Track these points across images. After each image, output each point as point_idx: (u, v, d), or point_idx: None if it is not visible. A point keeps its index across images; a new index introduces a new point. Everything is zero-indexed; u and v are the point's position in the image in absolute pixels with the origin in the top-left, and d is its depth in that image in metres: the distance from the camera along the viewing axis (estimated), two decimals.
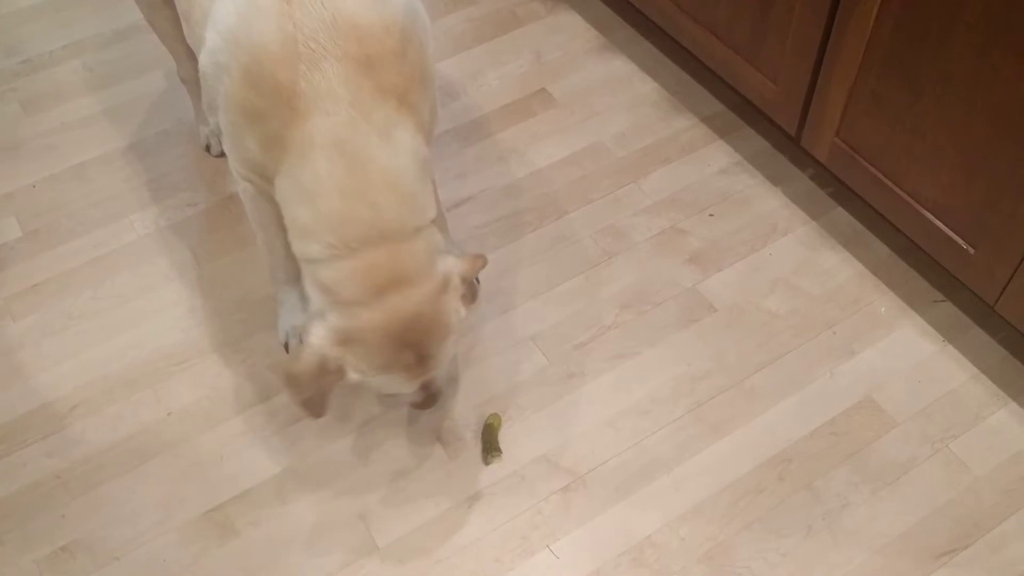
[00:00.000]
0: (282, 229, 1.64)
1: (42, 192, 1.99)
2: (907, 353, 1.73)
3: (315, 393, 1.35)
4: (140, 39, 2.28)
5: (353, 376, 1.31)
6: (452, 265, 1.35)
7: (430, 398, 1.47)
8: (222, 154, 1.96)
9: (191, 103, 2.04)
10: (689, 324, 1.78)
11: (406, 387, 1.38)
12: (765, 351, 1.74)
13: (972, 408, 1.66)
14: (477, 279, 1.52)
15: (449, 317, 1.34)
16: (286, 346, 1.74)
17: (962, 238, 1.59)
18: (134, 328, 1.78)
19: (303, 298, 1.73)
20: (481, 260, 1.40)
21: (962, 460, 1.60)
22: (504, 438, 1.63)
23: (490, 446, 1.61)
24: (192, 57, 1.79)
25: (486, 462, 1.60)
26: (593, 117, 2.11)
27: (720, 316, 1.79)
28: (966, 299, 1.79)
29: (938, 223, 1.62)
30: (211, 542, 1.53)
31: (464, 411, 1.67)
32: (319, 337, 1.29)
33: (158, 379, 1.71)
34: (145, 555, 1.52)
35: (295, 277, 1.73)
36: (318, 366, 1.29)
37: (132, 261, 1.88)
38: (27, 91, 2.18)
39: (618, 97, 2.15)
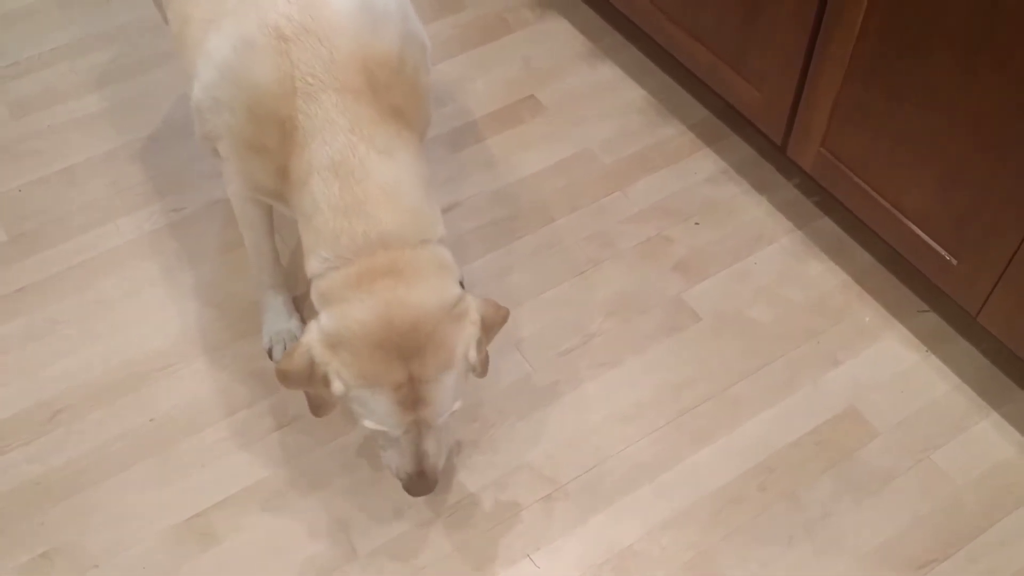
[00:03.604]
0: (270, 232, 1.65)
1: (28, 196, 1.99)
2: (890, 363, 1.74)
3: (313, 395, 1.33)
4: (129, 43, 2.27)
5: (337, 386, 1.24)
6: (472, 301, 1.29)
7: (422, 478, 1.34)
8: None
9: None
10: (673, 332, 1.78)
11: (394, 419, 1.27)
12: (749, 360, 1.74)
13: (954, 418, 1.67)
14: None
15: (454, 345, 1.25)
16: (270, 352, 1.73)
17: (944, 248, 1.59)
18: (118, 333, 1.78)
19: (287, 304, 1.75)
20: (504, 311, 1.35)
21: (944, 470, 1.61)
22: (487, 445, 1.63)
23: None
24: None
25: None
26: (581, 124, 2.11)
27: (704, 325, 1.79)
28: (950, 309, 1.79)
29: (920, 233, 1.62)
30: (192, 549, 1.53)
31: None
32: (311, 337, 1.26)
33: (141, 385, 1.71)
34: (125, 562, 1.51)
35: (281, 282, 1.73)
36: (308, 367, 1.26)
37: (117, 266, 1.87)
38: (15, 94, 2.17)
39: (606, 104, 2.15)
